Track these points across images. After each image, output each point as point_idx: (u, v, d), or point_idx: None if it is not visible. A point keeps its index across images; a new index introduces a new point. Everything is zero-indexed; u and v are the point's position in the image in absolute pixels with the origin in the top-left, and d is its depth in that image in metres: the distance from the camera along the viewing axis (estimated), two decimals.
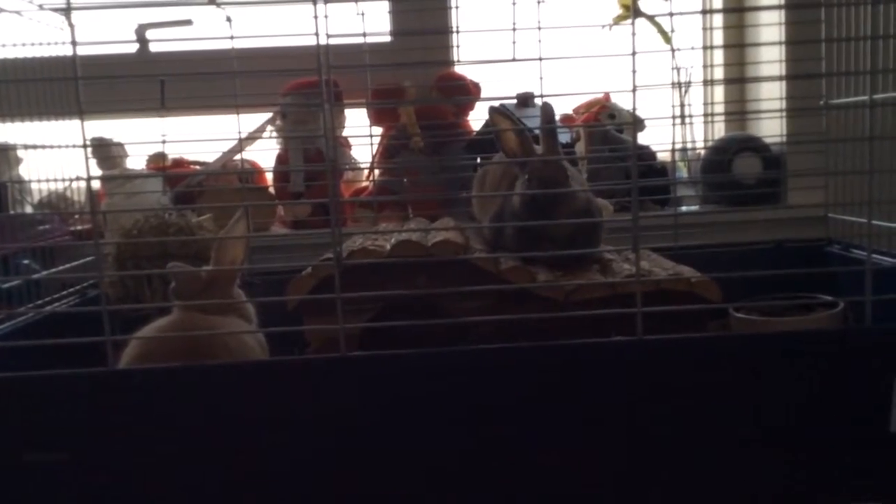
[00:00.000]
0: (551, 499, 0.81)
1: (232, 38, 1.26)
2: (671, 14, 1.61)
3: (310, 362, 0.86)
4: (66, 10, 1.06)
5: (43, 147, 1.23)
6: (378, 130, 1.63)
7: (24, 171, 1.42)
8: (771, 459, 0.81)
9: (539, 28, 1.18)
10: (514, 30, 1.21)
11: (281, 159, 1.63)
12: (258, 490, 0.80)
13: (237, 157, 1.57)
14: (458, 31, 1.32)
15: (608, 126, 1.63)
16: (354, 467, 0.81)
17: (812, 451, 0.81)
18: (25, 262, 1.24)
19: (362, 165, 1.70)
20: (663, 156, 1.60)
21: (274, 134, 1.60)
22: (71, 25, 0.81)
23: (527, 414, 0.80)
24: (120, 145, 1.59)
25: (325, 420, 0.80)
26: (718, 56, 1.77)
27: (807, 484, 0.81)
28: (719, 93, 1.80)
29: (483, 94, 1.64)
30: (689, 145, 1.69)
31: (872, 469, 0.81)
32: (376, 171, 1.63)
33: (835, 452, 0.81)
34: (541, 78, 1.25)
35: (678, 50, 1.48)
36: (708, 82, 1.76)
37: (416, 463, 0.81)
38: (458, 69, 1.65)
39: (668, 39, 1.60)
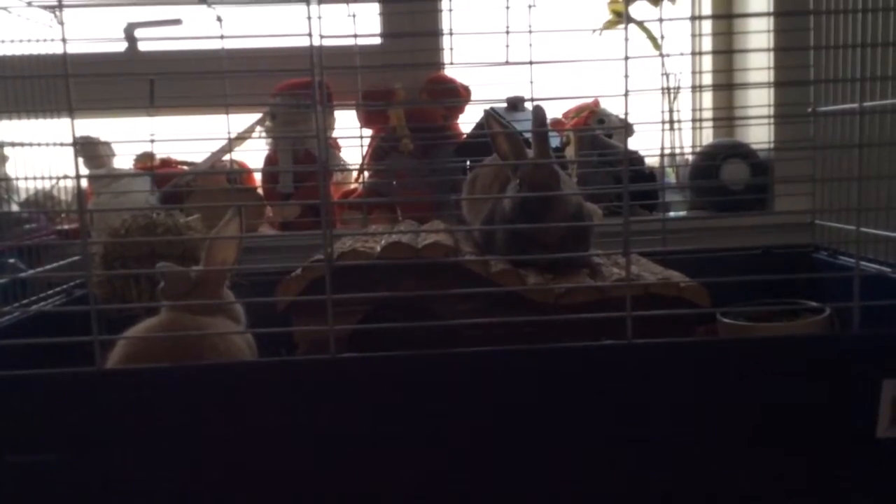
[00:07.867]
0: (542, 500, 0.81)
1: (222, 37, 1.25)
2: (661, 20, 1.62)
3: (299, 364, 0.86)
4: (56, 8, 1.06)
5: (30, 145, 1.22)
6: (368, 132, 1.63)
7: (11, 168, 1.40)
8: (758, 463, 0.81)
9: (530, 32, 1.18)
10: (507, 33, 1.21)
11: (270, 160, 1.63)
12: (246, 491, 0.80)
13: (226, 157, 1.57)
14: (451, 34, 1.32)
15: (597, 130, 1.64)
16: (343, 469, 0.80)
17: (799, 455, 0.81)
18: (11, 260, 1.23)
19: (351, 167, 1.70)
20: (652, 161, 1.61)
21: (263, 134, 1.60)
22: (61, 23, 0.81)
23: (516, 416, 0.80)
24: (107, 144, 1.59)
25: (314, 421, 0.80)
26: (707, 62, 1.78)
27: (794, 488, 0.82)
28: (708, 99, 1.81)
29: (473, 98, 1.64)
30: (677, 151, 1.70)
31: (860, 474, 0.82)
32: (366, 174, 1.62)
33: (822, 457, 0.81)
34: (531, 82, 1.25)
35: (667, 56, 1.49)
36: (696, 88, 1.78)
37: (406, 465, 0.81)
38: (448, 72, 1.65)
39: (657, 45, 1.61)
